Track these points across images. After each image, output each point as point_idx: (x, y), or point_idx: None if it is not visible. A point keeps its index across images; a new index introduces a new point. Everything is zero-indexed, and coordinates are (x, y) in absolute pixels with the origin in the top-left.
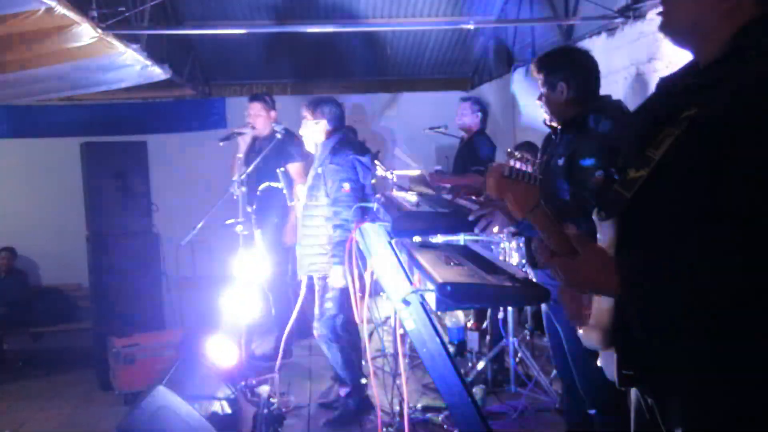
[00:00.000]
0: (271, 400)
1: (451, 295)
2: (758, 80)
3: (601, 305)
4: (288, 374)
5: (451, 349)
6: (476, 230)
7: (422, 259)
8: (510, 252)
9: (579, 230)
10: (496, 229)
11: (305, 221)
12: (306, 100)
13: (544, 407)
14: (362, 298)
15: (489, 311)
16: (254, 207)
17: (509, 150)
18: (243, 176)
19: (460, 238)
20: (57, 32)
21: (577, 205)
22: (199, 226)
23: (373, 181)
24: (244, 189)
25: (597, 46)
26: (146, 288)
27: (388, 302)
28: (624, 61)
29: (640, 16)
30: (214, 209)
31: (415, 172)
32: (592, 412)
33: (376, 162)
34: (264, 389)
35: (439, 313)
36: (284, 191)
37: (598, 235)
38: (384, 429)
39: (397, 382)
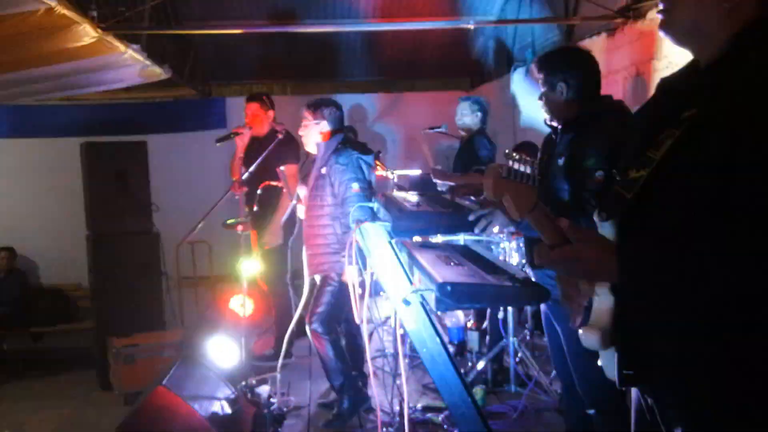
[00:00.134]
0: (271, 400)
1: (451, 295)
2: (759, 80)
3: (601, 305)
4: (288, 374)
5: (451, 349)
6: (476, 230)
7: (422, 259)
8: (510, 252)
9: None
10: (496, 229)
11: (311, 221)
12: (306, 101)
13: (544, 407)
14: (362, 297)
15: (489, 311)
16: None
17: (507, 151)
18: (244, 176)
19: (460, 238)
20: (57, 32)
21: (577, 205)
22: (199, 226)
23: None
24: (245, 189)
25: (597, 46)
26: (146, 288)
27: (388, 302)
28: (624, 61)
29: (640, 16)
30: (214, 209)
31: (416, 172)
32: (592, 412)
33: (376, 162)
34: (264, 389)
35: (439, 313)
36: (285, 191)
37: None
38: (384, 429)
39: (397, 382)
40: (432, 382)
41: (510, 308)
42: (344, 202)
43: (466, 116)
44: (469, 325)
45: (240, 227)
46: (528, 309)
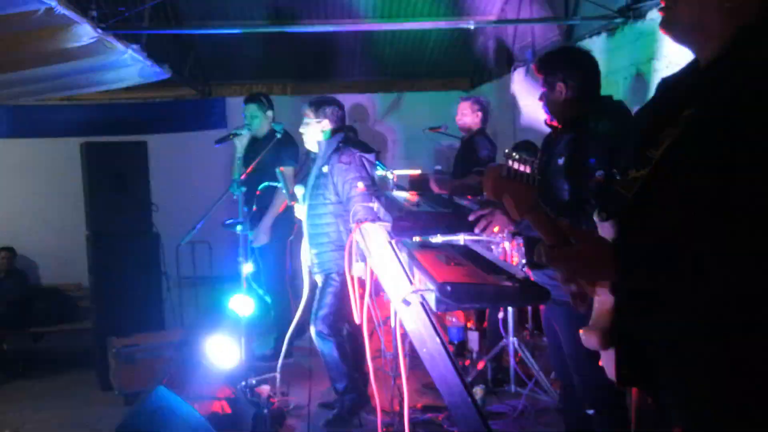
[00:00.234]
0: (271, 400)
1: (451, 295)
2: (758, 80)
3: (602, 306)
4: (288, 374)
5: (451, 349)
6: (476, 230)
7: (422, 259)
8: (510, 252)
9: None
10: (496, 229)
11: (313, 220)
12: (307, 100)
13: (544, 407)
14: (362, 298)
15: (489, 311)
16: (254, 207)
17: (507, 151)
18: (243, 176)
19: (460, 238)
20: (57, 32)
21: (578, 204)
22: (199, 226)
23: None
24: (243, 189)
25: (597, 46)
26: (146, 288)
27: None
28: (624, 61)
29: (640, 16)
30: (214, 209)
31: (416, 172)
32: (591, 412)
33: (376, 162)
34: (264, 389)
35: (439, 313)
36: (284, 191)
37: None
38: (384, 429)
39: (397, 382)
40: (432, 382)
41: (510, 308)
42: (349, 201)
43: (467, 116)
44: (469, 325)
45: (240, 227)
46: (528, 309)
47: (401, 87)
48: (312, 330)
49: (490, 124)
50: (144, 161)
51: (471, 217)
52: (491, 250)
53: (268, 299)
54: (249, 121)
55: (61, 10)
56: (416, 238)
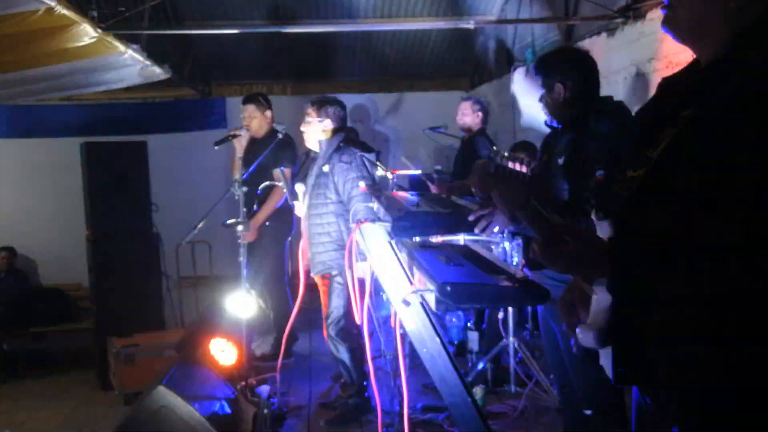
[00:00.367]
0: (271, 400)
1: (451, 295)
2: (757, 79)
3: (599, 305)
4: (288, 374)
5: (451, 349)
6: (476, 230)
7: (422, 259)
8: (510, 252)
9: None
10: (496, 229)
11: (313, 220)
12: (307, 100)
13: (544, 407)
14: (362, 298)
15: (489, 311)
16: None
17: (495, 148)
18: (244, 176)
19: (460, 238)
20: (57, 32)
21: (578, 204)
22: (199, 226)
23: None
24: (245, 189)
25: (597, 46)
26: (146, 288)
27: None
28: (624, 61)
29: (640, 16)
30: (214, 209)
31: (416, 172)
32: (588, 412)
33: (376, 162)
34: (264, 389)
35: (439, 313)
36: (285, 190)
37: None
38: (384, 429)
39: (397, 382)
40: (432, 382)
41: (510, 308)
42: (350, 200)
43: (467, 116)
44: (469, 325)
45: (240, 227)
46: (528, 309)
47: (401, 87)
48: (325, 333)
49: (490, 124)
50: (144, 161)
51: (471, 217)
52: (491, 250)
53: (262, 303)
54: (248, 121)
55: (61, 10)
56: (416, 238)
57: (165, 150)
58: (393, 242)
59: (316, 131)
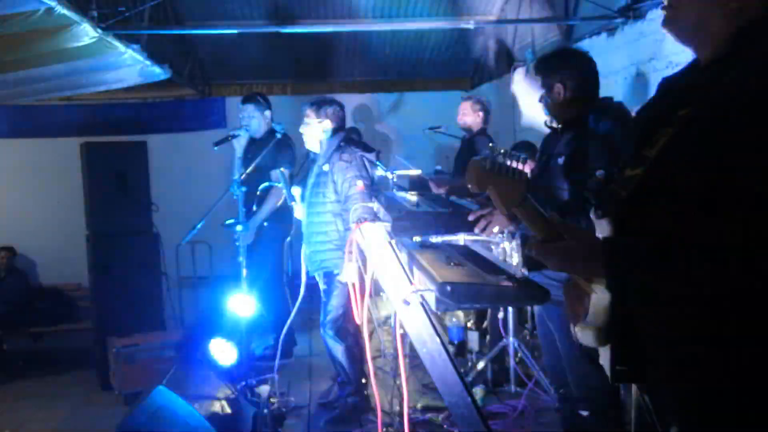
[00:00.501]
0: (271, 400)
1: (451, 295)
2: (754, 79)
3: (598, 303)
4: (288, 374)
5: (451, 349)
6: (476, 230)
7: (422, 259)
8: (510, 252)
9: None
10: (496, 229)
11: (311, 218)
12: (307, 100)
13: (544, 407)
14: (362, 297)
15: (489, 311)
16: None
17: (491, 145)
18: (243, 176)
19: (460, 238)
20: (57, 32)
21: (577, 204)
22: (199, 226)
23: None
24: (244, 189)
25: (597, 46)
26: (146, 288)
27: (388, 302)
28: (624, 61)
29: (640, 16)
30: (214, 209)
31: (416, 172)
32: (585, 413)
33: (376, 162)
34: (264, 389)
35: (439, 313)
36: (284, 191)
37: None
38: (384, 429)
39: (397, 382)
40: (432, 382)
41: (510, 308)
42: (348, 199)
43: (468, 116)
44: (469, 325)
45: (239, 227)
46: (528, 309)
47: (401, 87)
48: (322, 332)
49: (491, 123)
50: (144, 161)
51: (471, 217)
52: (491, 250)
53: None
54: (247, 121)
55: (61, 10)
56: (416, 238)
57: (165, 150)
58: (393, 242)
59: (316, 132)
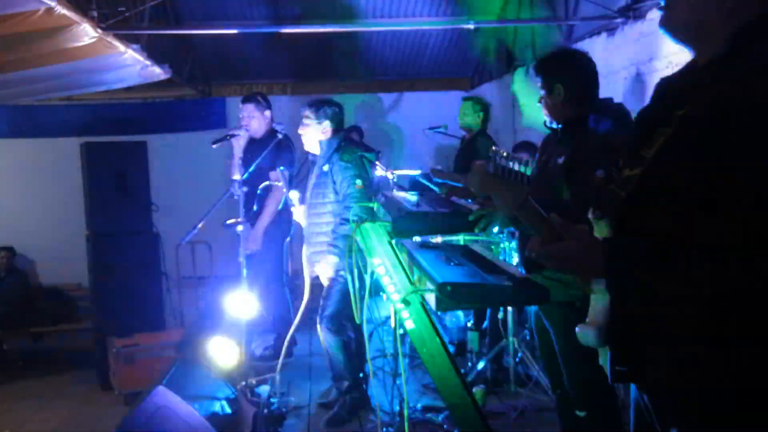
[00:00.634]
0: (271, 400)
1: (451, 295)
2: (751, 78)
3: (599, 302)
4: (288, 374)
5: (451, 349)
6: (476, 230)
7: (422, 259)
8: (510, 252)
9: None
10: (496, 229)
11: (312, 219)
12: (307, 101)
13: (544, 407)
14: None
15: (489, 311)
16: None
17: (494, 148)
18: (244, 176)
19: (460, 238)
20: (57, 32)
21: (577, 204)
22: (199, 226)
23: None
24: (245, 189)
25: (597, 46)
26: (146, 288)
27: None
28: (624, 61)
29: (640, 16)
30: (214, 209)
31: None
32: (582, 414)
33: (376, 162)
34: (264, 389)
35: (439, 313)
36: (284, 192)
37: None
38: (384, 429)
39: (397, 382)
40: (432, 382)
41: (510, 308)
42: (345, 198)
43: (468, 116)
44: (469, 325)
45: (240, 227)
46: (529, 309)
47: (401, 87)
48: (319, 328)
49: (491, 124)
50: (144, 161)
51: (471, 217)
52: (491, 250)
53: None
54: (246, 121)
55: (61, 10)
56: (416, 238)
57: (165, 150)
58: (393, 242)
59: (315, 133)
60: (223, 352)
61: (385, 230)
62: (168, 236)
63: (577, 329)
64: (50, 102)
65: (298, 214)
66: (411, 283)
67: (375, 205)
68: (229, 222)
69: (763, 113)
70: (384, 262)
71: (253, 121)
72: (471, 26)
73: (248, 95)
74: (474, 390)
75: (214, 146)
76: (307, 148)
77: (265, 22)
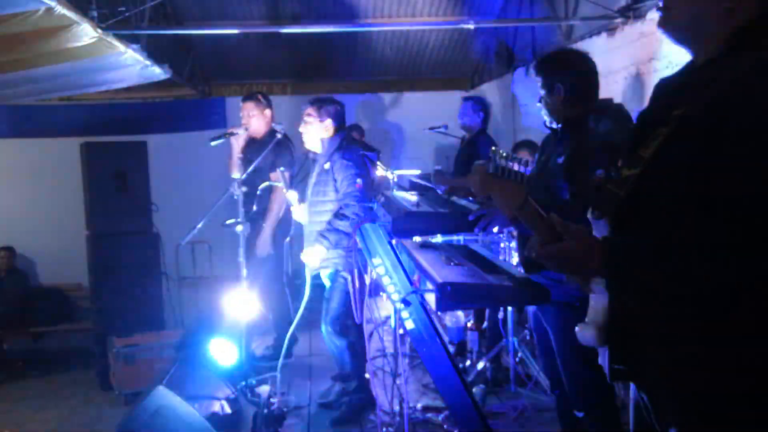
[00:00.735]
0: (271, 400)
1: (451, 295)
2: (747, 78)
3: (598, 302)
4: (288, 374)
5: (451, 349)
6: (476, 230)
7: (422, 259)
8: (510, 252)
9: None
10: (496, 229)
11: (313, 218)
12: (307, 100)
13: (544, 407)
14: (362, 298)
15: (489, 311)
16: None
17: (494, 148)
18: (244, 176)
19: (460, 238)
20: (57, 32)
21: (577, 204)
22: (199, 226)
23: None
24: (245, 189)
25: (597, 46)
26: (146, 288)
27: (388, 302)
28: (624, 61)
29: (640, 16)
30: (214, 209)
31: (416, 172)
32: (580, 414)
33: (377, 162)
34: (264, 389)
35: (439, 313)
36: (285, 191)
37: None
38: (384, 429)
39: (397, 382)
40: (432, 382)
41: (510, 308)
42: (345, 196)
43: (468, 116)
44: (469, 325)
45: (240, 227)
46: (528, 309)
47: (401, 87)
48: (323, 330)
49: (491, 123)
50: (144, 161)
51: (471, 217)
52: (491, 250)
53: (257, 304)
54: (246, 119)
55: (61, 10)
56: (416, 238)
57: (165, 150)
58: (393, 242)
59: (317, 131)
60: (223, 352)
61: (385, 230)
62: (168, 236)
63: (576, 329)
64: (50, 102)
65: (297, 213)
66: (411, 283)
67: (375, 206)
68: (228, 222)
69: (760, 113)
70: (384, 262)
71: (253, 119)
72: (471, 26)
73: (249, 94)
74: (474, 390)
75: (213, 144)
76: (308, 146)
77: (264, 22)
